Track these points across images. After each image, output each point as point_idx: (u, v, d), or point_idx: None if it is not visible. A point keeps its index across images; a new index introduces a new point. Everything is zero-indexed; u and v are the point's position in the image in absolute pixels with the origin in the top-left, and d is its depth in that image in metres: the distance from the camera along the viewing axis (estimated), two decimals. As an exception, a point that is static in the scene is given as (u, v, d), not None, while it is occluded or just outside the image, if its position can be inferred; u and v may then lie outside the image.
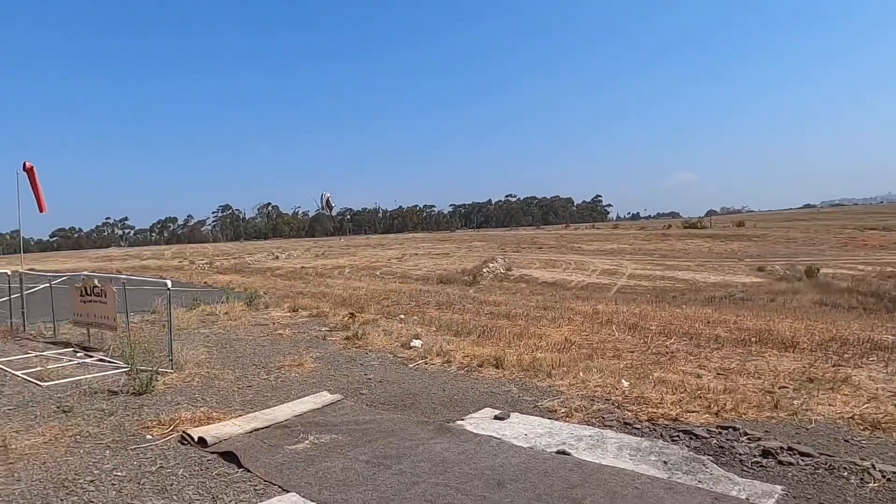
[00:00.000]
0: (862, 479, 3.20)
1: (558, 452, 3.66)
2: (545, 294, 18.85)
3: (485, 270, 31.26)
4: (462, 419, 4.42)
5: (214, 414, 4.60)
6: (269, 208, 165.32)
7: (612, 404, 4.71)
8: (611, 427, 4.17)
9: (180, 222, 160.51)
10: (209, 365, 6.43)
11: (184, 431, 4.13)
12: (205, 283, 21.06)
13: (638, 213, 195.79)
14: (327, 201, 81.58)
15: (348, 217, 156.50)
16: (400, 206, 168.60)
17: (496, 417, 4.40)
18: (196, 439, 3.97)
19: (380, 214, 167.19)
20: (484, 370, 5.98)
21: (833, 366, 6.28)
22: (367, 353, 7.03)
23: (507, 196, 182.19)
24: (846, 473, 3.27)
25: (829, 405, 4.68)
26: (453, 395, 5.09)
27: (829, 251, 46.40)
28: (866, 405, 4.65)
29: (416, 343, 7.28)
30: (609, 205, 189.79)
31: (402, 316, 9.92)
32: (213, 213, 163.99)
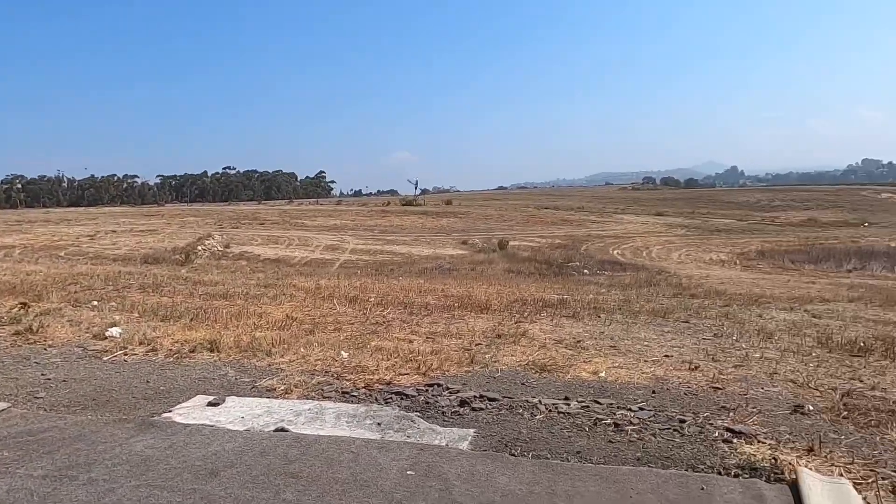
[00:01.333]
0: (532, 413, 3.88)
1: (277, 430, 3.62)
2: (267, 271, 18.28)
3: (200, 248, 28.89)
4: (170, 411, 4.03)
5: None
6: None
7: (332, 376, 4.83)
8: (329, 398, 4.28)
9: None
10: None
11: None
12: None
13: (360, 189, 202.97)
14: None
15: (19, 186, 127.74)
16: (92, 176, 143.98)
17: (210, 404, 4.13)
18: None
19: (64, 184, 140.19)
20: (197, 355, 5.54)
21: (515, 322, 7.47)
22: (47, 349, 5.88)
23: (225, 168, 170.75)
24: (521, 410, 3.93)
25: (512, 356, 5.55)
26: (160, 387, 4.60)
27: (516, 227, 54.80)
28: (537, 353, 5.65)
29: (114, 332, 6.36)
30: (333, 181, 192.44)
31: (96, 303, 8.55)
32: None
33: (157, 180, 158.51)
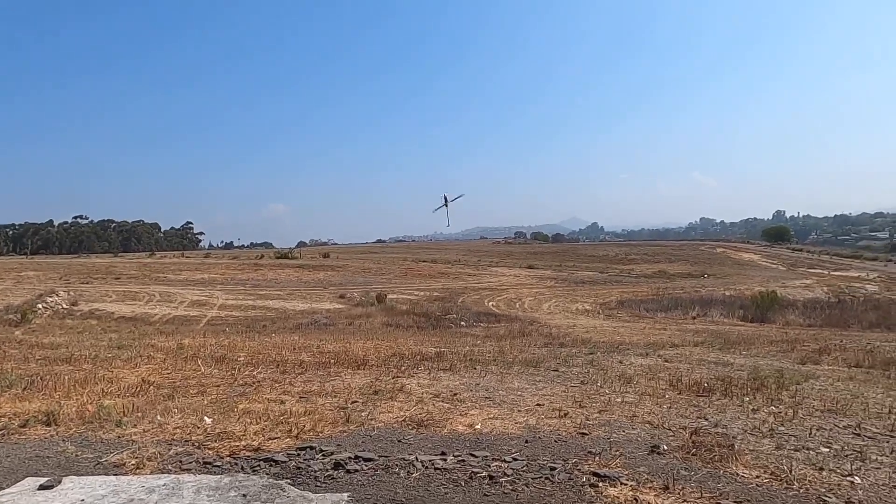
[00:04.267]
0: (408, 471, 3.81)
1: (124, 512, 3.22)
2: (122, 331, 16.65)
3: (40, 306, 25.73)
4: (-11, 499, 3.45)
5: None
6: None
7: (193, 445, 4.43)
8: (189, 470, 3.90)
9: None
10: None
11: None
12: None
13: (232, 242, 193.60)
14: None
15: None
16: None
17: (42, 487, 3.59)
18: None
19: None
20: (29, 430, 4.83)
21: (393, 377, 7.39)
22: None
23: (75, 217, 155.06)
24: (397, 469, 3.85)
25: (389, 412, 5.46)
26: (-22, 470, 3.94)
27: (394, 279, 54.91)
28: (414, 408, 5.60)
29: (-79, 408, 5.40)
30: (201, 233, 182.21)
31: None
32: None
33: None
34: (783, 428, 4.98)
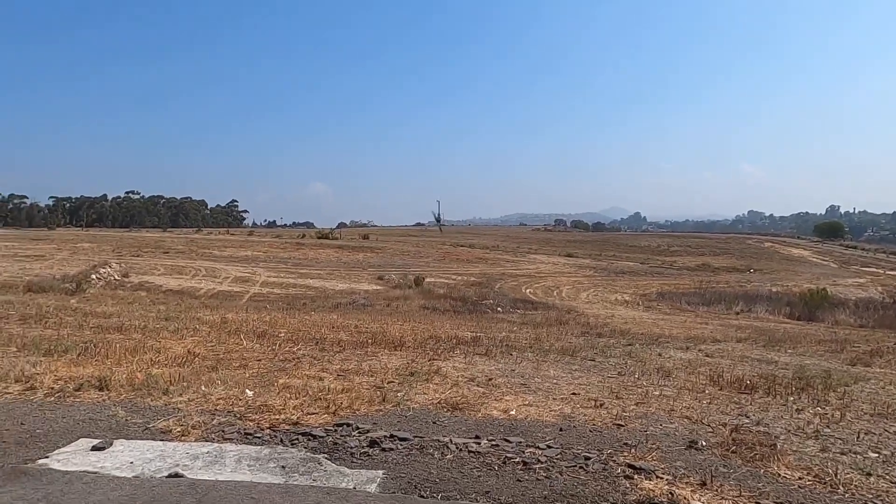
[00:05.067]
0: (442, 452, 3.85)
1: (170, 476, 3.36)
2: (169, 303, 17.24)
3: (94, 276, 26.84)
4: (46, 457, 3.65)
5: None
6: None
7: (235, 416, 4.58)
8: (231, 440, 4.04)
9: None
10: None
11: None
12: None
13: (274, 220, 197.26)
14: None
15: None
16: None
17: (94, 448, 3.78)
18: None
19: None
20: (83, 394, 5.08)
21: (429, 360, 7.44)
22: None
23: (127, 192, 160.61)
24: (432, 450, 3.89)
25: (424, 394, 5.51)
26: (36, 430, 4.17)
27: (432, 263, 55.16)
28: (449, 391, 5.64)
29: (-15, 368, 5.73)
30: (245, 211, 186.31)
31: (-34, 334, 7.70)
32: None
33: (50, 202, 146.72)
34: (829, 430, 4.82)
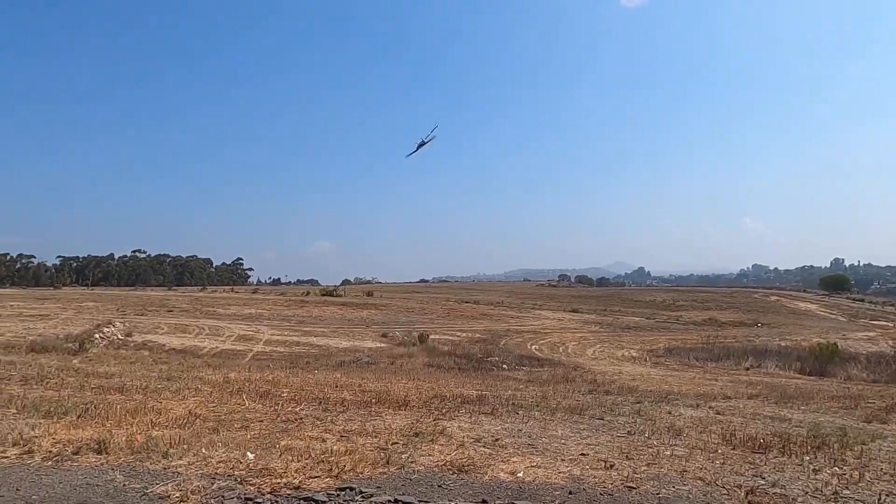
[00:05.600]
0: (449, 518, 3.73)
1: (167, 545, 3.25)
2: (171, 363, 17.11)
3: (97, 336, 26.74)
4: (41, 524, 3.55)
5: None
6: None
7: (235, 480, 4.46)
8: (231, 505, 3.93)
9: None
10: None
11: None
12: None
13: (279, 278, 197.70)
14: None
15: None
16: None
17: (91, 515, 3.68)
18: None
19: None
20: (81, 458, 4.98)
21: (434, 420, 7.31)
22: None
23: (134, 251, 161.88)
24: (437, 516, 3.77)
25: (429, 455, 5.38)
26: (32, 496, 4.06)
27: (437, 320, 54.85)
28: (455, 452, 5.51)
29: (-17, 431, 5.65)
30: (250, 269, 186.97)
31: (-34, 396, 7.63)
32: None
33: (57, 262, 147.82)
34: (848, 491, 4.66)
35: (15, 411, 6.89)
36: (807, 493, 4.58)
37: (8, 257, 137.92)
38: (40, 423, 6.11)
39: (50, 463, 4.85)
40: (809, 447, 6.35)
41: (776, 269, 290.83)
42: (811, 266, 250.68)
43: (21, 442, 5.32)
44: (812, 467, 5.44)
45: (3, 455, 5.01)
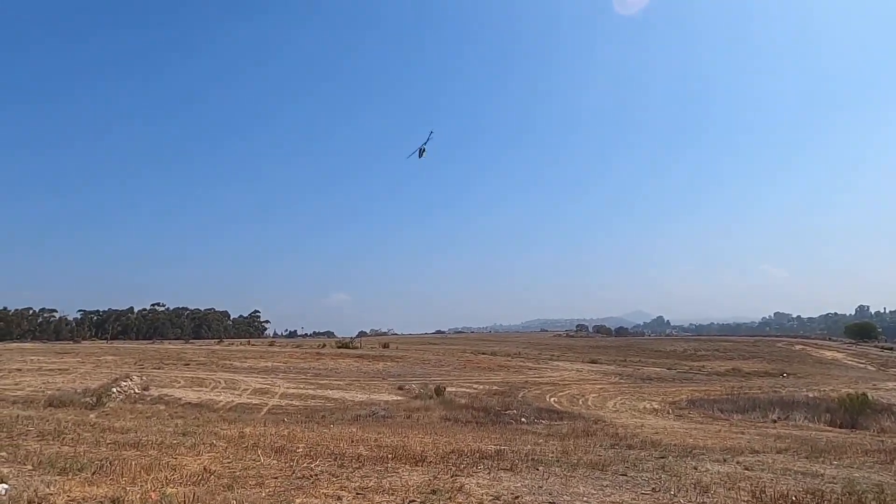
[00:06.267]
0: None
1: None
2: (187, 417, 17.01)
3: (114, 390, 26.76)
4: (54, 586, 3.49)
5: None
6: None
7: (250, 540, 4.38)
8: (245, 567, 3.84)
9: None
10: None
11: None
12: None
13: (295, 330, 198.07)
14: None
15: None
16: (4, 308, 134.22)
17: (103, 577, 3.61)
18: None
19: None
20: (95, 516, 4.93)
21: (451, 476, 7.14)
22: (-86, 510, 5.10)
23: (153, 305, 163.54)
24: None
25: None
26: (45, 555, 4.02)
27: (453, 372, 54.14)
28: (474, 510, 5.36)
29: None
30: (267, 321, 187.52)
31: (-17, 453, 7.63)
32: None
33: (78, 315, 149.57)
34: (888, 553, 4.42)
35: (31, 468, 6.86)
36: (844, 555, 4.35)
37: (30, 312, 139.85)
38: (55, 480, 6.08)
39: (64, 522, 4.80)
40: (844, 505, 6.07)
41: (798, 316, 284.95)
42: (835, 314, 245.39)
43: (36, 499, 5.28)
44: (848, 527, 5.19)
45: (19, 513, 4.98)
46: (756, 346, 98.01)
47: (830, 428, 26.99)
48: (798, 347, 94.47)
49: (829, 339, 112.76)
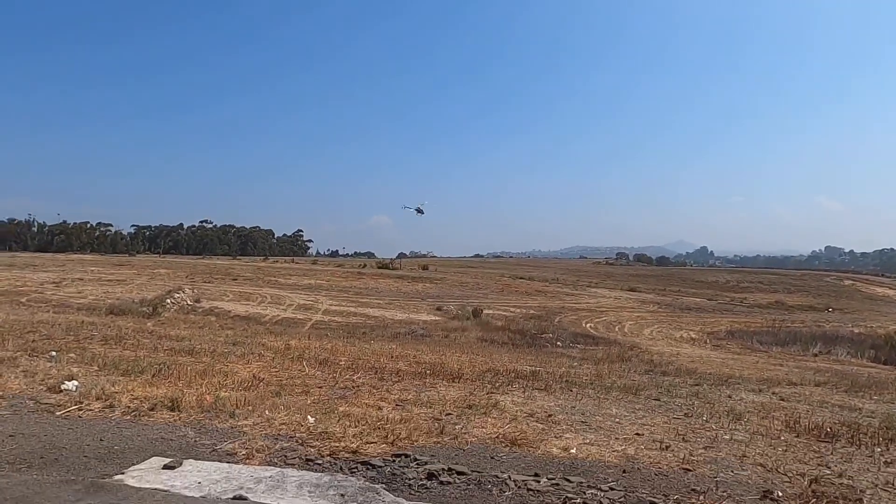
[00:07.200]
0: (500, 489, 3.78)
1: (235, 498, 3.45)
2: (237, 328, 17.89)
3: (168, 301, 28.22)
4: (122, 473, 3.84)
5: None
6: None
7: (297, 441, 4.67)
8: (293, 465, 4.12)
9: None
10: None
11: None
12: None
13: (337, 250, 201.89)
14: None
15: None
16: (64, 221, 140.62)
17: (165, 467, 3.94)
18: None
19: (34, 229, 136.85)
20: (156, 414, 5.32)
21: (487, 393, 7.37)
22: (-4, 401, 5.61)
23: (201, 222, 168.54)
24: (489, 486, 3.83)
25: (482, 428, 5.46)
26: (114, 446, 4.39)
27: (491, 295, 54.89)
28: (508, 425, 5.56)
29: (70, 385, 6.11)
30: (310, 240, 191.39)
31: (54, 353, 8.24)
32: None
33: (132, 230, 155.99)
34: (923, 486, 4.42)
35: (97, 368, 7.40)
36: (876, 485, 4.38)
37: (88, 225, 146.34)
38: (119, 381, 6.56)
39: (129, 417, 5.22)
40: (881, 438, 6.04)
41: (851, 251, 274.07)
42: (891, 249, 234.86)
43: (103, 397, 5.73)
44: (884, 460, 5.18)
45: (89, 408, 5.43)
46: (803, 279, 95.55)
47: (874, 364, 26.51)
48: (847, 282, 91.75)
49: (882, 276, 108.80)
